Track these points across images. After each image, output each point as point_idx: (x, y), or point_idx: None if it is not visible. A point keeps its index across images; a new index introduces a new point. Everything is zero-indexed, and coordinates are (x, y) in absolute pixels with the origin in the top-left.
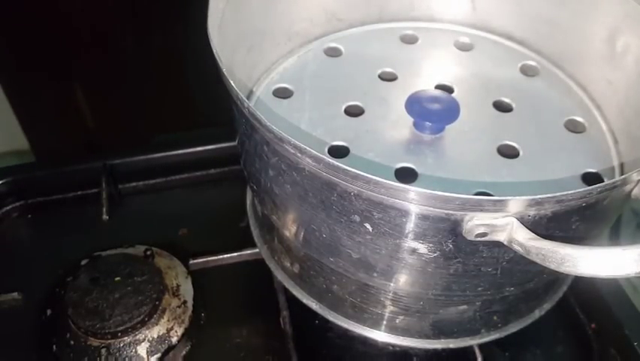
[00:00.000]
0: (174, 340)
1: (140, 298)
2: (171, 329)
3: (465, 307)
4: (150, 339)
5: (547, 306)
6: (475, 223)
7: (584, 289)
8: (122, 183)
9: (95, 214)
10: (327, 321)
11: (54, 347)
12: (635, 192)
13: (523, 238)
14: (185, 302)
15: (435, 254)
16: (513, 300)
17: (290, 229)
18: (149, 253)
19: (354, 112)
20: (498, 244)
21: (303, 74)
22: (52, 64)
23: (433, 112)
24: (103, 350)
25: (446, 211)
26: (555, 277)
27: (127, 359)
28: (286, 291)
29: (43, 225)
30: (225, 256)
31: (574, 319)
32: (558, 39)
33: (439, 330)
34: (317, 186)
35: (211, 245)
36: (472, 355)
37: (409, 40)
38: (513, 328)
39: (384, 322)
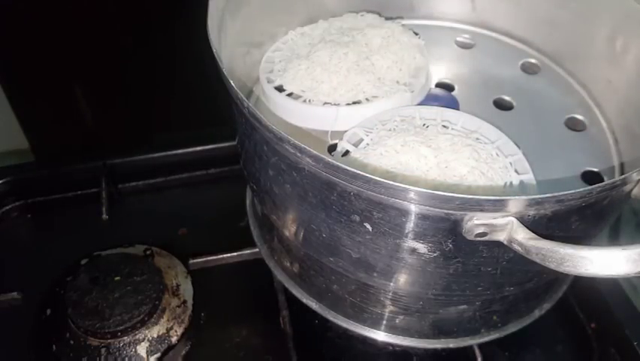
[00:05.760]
0: (174, 339)
1: (140, 298)
2: (171, 328)
3: (465, 306)
4: (150, 339)
5: (547, 306)
6: (475, 223)
7: (584, 289)
8: (121, 182)
9: (95, 214)
10: (326, 321)
11: (54, 346)
12: (635, 191)
13: (523, 238)
14: (184, 302)
15: (435, 254)
16: (513, 300)
17: (290, 228)
18: (148, 252)
19: None
20: (498, 244)
21: None
22: (53, 64)
23: None
24: (102, 350)
25: (446, 211)
26: (555, 277)
27: (127, 358)
28: (286, 291)
29: (43, 225)
30: (225, 255)
31: (574, 319)
32: (559, 38)
33: (439, 330)
34: (317, 185)
35: (211, 245)
36: (472, 354)
37: None
38: (513, 328)
39: (384, 321)
